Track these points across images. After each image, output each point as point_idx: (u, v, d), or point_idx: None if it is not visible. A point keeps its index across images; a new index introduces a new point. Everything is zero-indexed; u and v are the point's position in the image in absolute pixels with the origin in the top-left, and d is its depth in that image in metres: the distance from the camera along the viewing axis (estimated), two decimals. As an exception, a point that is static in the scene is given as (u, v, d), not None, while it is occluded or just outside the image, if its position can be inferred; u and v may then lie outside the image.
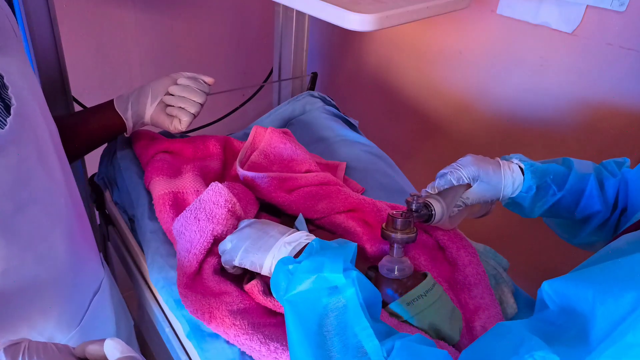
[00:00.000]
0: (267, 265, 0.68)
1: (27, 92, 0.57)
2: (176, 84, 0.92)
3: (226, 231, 0.80)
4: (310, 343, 0.55)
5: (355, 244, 0.63)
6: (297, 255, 0.66)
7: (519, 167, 0.80)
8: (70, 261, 0.63)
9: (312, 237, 0.69)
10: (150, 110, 0.91)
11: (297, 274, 0.59)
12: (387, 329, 0.57)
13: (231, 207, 0.80)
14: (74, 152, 0.88)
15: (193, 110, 0.92)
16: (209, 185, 0.83)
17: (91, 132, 0.91)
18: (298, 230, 0.72)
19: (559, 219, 0.86)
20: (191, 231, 0.80)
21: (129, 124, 0.91)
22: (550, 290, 0.49)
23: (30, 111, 0.57)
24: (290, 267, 0.61)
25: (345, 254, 0.59)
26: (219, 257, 0.79)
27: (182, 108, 0.91)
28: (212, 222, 0.79)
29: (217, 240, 0.80)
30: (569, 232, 0.87)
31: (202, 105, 0.93)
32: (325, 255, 0.60)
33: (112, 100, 0.91)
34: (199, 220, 0.80)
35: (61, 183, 0.63)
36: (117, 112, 0.90)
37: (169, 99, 0.91)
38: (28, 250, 0.57)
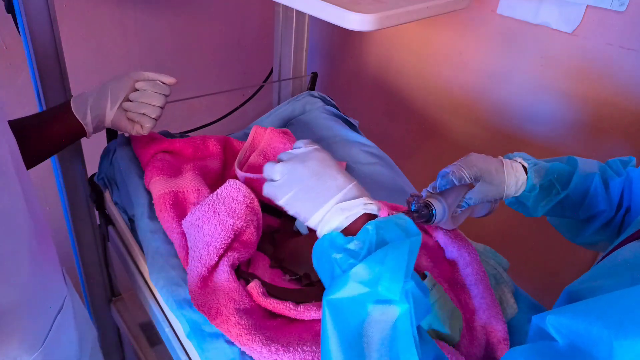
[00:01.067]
0: (313, 222, 0.61)
1: None
2: (135, 88, 0.90)
3: (246, 226, 0.81)
4: (346, 353, 0.50)
5: (419, 236, 0.54)
6: (348, 231, 0.58)
7: (523, 165, 0.80)
8: (33, 282, 0.61)
9: (372, 205, 0.60)
10: (110, 115, 0.89)
11: (347, 279, 0.52)
12: (435, 353, 0.52)
13: (250, 202, 0.81)
14: (33, 159, 0.85)
15: (154, 115, 0.90)
16: (226, 182, 0.84)
17: (51, 138, 0.87)
18: (356, 193, 0.61)
19: (563, 218, 0.86)
20: (211, 225, 0.80)
21: (89, 129, 0.88)
22: (557, 324, 0.45)
23: None
24: (338, 256, 0.54)
25: (409, 257, 0.51)
26: (237, 252, 0.79)
27: (144, 114, 0.90)
28: (233, 217, 0.79)
29: (236, 235, 0.80)
30: (572, 231, 0.86)
31: (162, 108, 0.91)
32: (385, 262, 0.51)
33: (69, 103, 0.87)
34: (218, 214, 0.80)
35: (21, 201, 0.59)
36: (76, 117, 0.86)
37: (128, 105, 0.89)
38: None
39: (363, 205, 0.60)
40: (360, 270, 0.51)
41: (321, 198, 0.60)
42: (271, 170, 0.64)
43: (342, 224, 0.59)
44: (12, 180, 0.58)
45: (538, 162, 0.80)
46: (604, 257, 0.63)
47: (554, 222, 0.90)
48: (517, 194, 0.80)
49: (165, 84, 0.91)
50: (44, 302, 0.66)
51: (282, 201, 0.63)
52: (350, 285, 0.51)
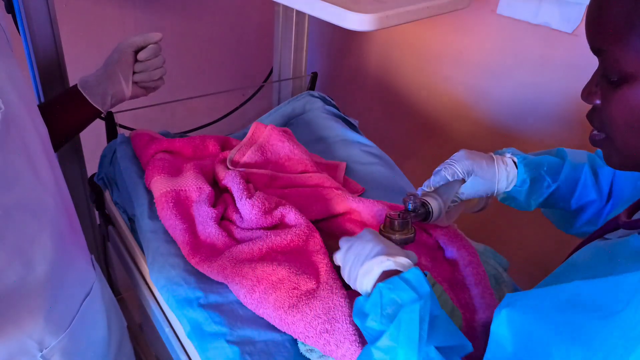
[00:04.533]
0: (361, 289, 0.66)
1: (15, 96, 0.57)
2: (136, 59, 0.92)
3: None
4: None
5: (429, 296, 0.57)
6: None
7: (513, 161, 0.80)
8: (58, 264, 0.63)
9: (389, 262, 0.63)
10: (127, 93, 0.92)
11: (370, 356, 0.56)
12: None
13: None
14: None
15: (164, 74, 0.95)
16: None
17: (68, 127, 0.91)
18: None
19: (555, 209, 0.86)
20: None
21: (106, 108, 0.92)
22: (508, 322, 0.48)
23: (17, 115, 0.57)
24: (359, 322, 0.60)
25: (421, 325, 0.54)
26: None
27: (157, 80, 0.93)
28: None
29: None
30: (565, 222, 0.87)
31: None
32: (399, 339, 0.55)
33: (78, 94, 0.88)
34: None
35: (51, 186, 0.63)
36: (95, 107, 0.89)
37: (141, 78, 0.92)
38: (15, 255, 0.57)
39: (379, 265, 0.63)
40: (376, 353, 0.56)
41: (354, 272, 0.66)
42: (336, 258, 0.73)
43: (368, 288, 0.64)
44: (41, 164, 0.61)
45: (527, 156, 0.81)
46: (566, 259, 0.64)
47: (547, 213, 0.90)
48: (509, 189, 0.80)
49: (157, 42, 0.92)
50: (69, 285, 0.68)
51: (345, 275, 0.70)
52: None
